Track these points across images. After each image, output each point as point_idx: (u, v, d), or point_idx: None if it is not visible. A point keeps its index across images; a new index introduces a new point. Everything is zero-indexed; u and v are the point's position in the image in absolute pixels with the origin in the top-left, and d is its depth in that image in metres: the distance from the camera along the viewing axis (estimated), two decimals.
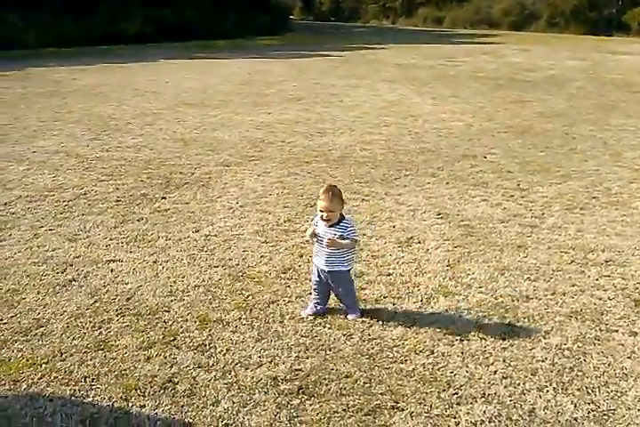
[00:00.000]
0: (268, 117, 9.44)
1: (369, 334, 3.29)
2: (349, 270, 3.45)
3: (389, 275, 4.02)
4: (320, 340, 3.24)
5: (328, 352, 3.12)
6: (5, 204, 5.28)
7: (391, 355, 3.10)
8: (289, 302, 3.65)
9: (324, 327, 3.36)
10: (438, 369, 2.98)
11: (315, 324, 3.40)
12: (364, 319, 3.44)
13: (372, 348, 3.17)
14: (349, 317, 3.45)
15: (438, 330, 3.33)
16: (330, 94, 11.79)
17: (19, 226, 4.78)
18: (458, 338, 3.25)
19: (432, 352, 3.11)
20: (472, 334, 3.30)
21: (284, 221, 4.98)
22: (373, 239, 4.62)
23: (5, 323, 3.34)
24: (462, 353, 3.11)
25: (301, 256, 4.30)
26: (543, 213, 5.21)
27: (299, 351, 3.13)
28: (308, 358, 3.07)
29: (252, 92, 11.99)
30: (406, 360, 3.06)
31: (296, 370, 2.97)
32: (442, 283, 3.90)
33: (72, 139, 7.76)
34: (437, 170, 6.52)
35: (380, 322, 3.42)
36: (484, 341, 3.23)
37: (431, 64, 17.51)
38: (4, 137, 7.78)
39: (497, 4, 40.33)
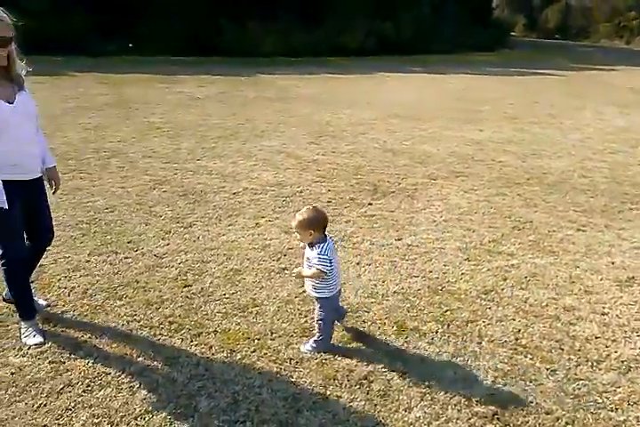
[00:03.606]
0: (479, 134, 9.26)
1: (575, 374, 3.06)
2: (326, 298, 3.11)
3: (604, 314, 3.68)
4: (520, 369, 3.09)
5: (528, 384, 2.96)
6: (234, 193, 5.93)
7: (600, 400, 2.84)
8: (488, 324, 3.54)
9: (525, 357, 3.20)
10: None
11: (515, 351, 3.25)
12: (570, 357, 3.21)
13: (579, 388, 2.93)
14: (302, 347, 3.17)
15: None
16: (549, 115, 11.16)
17: (244, 214, 5.33)
18: None
19: None
20: None
21: (489, 241, 4.84)
22: (588, 273, 4.27)
23: (228, 298, 3.75)
24: None
25: (505, 280, 4.14)
26: None
27: (495, 377, 3.02)
28: (505, 386, 2.95)
29: (465, 108, 11.85)
30: (617, 409, 2.78)
31: (492, 395, 2.87)
32: None
33: (293, 141, 8.42)
34: None
35: (590, 363, 3.16)
36: None
37: None
38: (237, 135, 8.73)
39: None
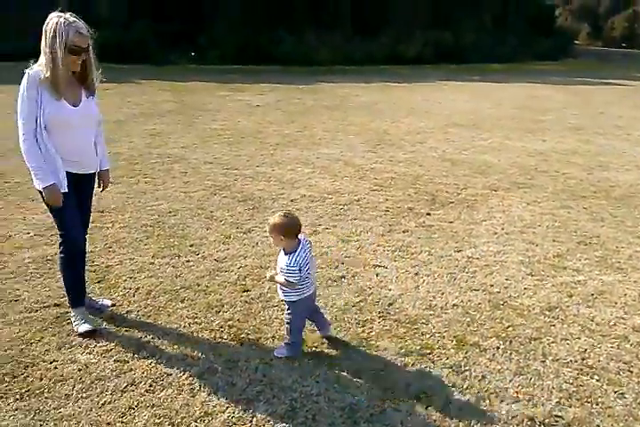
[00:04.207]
0: (542, 145, 9.01)
1: None
2: (293, 302, 3.12)
3: None
4: (586, 390, 2.97)
5: (594, 406, 2.84)
6: (292, 200, 5.98)
7: None
8: (552, 342, 3.42)
9: (592, 378, 3.07)
10: None
11: (581, 372, 3.12)
12: None
13: None
14: (275, 351, 3.18)
15: None
16: (615, 126, 10.75)
17: (301, 221, 5.35)
18: None
19: None
20: None
21: (553, 256, 4.69)
22: None
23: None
24: None
25: (570, 296, 4.00)
26: None
27: (560, 397, 2.91)
28: (570, 407, 2.84)
29: (527, 118, 11.57)
30: None
31: (556, 416, 2.76)
32: None
33: (351, 149, 8.43)
34: None
35: None
36: None
37: None
38: (295, 142, 8.82)
39: None
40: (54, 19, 3.03)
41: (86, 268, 3.76)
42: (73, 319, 3.40)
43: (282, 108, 12.13)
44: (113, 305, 3.67)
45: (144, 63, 19.41)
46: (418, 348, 3.31)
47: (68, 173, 3.21)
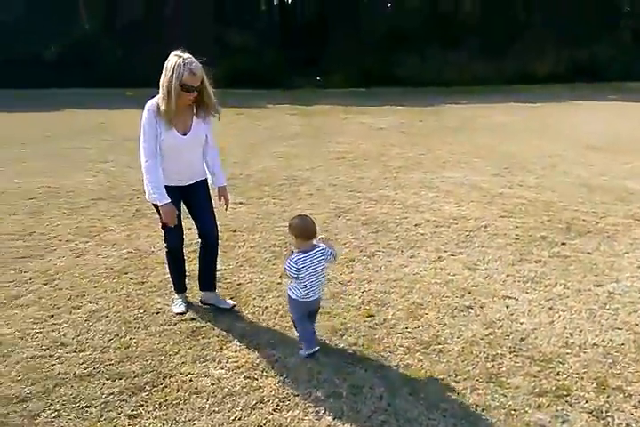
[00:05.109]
0: None
1: None
2: (293, 299, 3.37)
3: None
4: None
5: None
6: (416, 225, 5.90)
7: None
8: None
9: None
10: None
11: None
12: None
13: None
14: (300, 352, 3.41)
15: None
16: None
17: (426, 247, 5.27)
18: None
19: None
20: None
21: None
22: None
23: (410, 332, 3.71)
24: None
25: None
26: None
27: None
28: None
29: None
30: None
31: None
32: None
33: (476, 173, 8.19)
34: None
35: None
36: None
37: None
38: (418, 165, 8.74)
39: None
40: (173, 58, 3.37)
41: (218, 284, 4.09)
42: (173, 302, 4.03)
43: (405, 131, 12.13)
44: (234, 306, 4.00)
45: (273, 88, 20.38)
46: (553, 388, 3.10)
47: (175, 187, 3.64)
